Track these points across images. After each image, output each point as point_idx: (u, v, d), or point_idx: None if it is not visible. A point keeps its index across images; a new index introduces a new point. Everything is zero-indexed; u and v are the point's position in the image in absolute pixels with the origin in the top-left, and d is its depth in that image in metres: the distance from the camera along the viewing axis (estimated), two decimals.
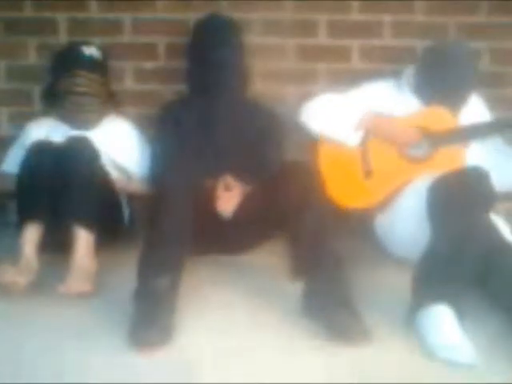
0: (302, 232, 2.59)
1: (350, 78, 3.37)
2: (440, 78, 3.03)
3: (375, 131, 3.03)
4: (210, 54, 3.15)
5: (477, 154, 3.04)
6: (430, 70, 3.07)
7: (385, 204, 3.01)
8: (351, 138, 3.01)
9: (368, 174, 3.06)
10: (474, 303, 2.54)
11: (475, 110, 3.13)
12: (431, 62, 3.08)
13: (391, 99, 3.10)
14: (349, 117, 3.01)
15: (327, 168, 3.10)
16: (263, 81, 3.49)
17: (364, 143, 3.04)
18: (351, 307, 2.45)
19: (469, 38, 3.37)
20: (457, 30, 3.46)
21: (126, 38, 3.54)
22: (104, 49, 3.33)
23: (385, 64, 3.45)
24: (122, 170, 3.23)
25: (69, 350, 2.34)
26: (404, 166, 3.02)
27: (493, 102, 3.24)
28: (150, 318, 2.38)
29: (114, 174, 3.16)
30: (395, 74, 3.23)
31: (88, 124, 3.23)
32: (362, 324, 2.40)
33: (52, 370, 2.23)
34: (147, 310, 2.41)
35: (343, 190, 3.07)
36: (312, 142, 3.15)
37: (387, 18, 3.50)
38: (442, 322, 2.35)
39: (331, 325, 2.40)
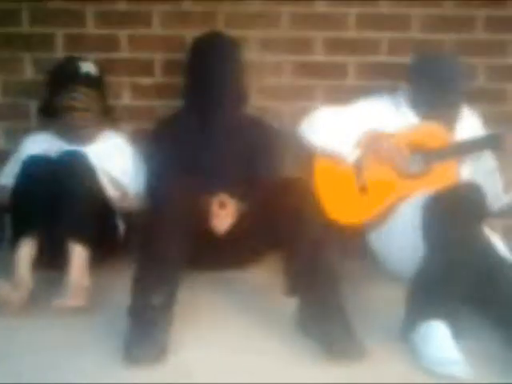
0: (297, 249, 2.59)
1: (346, 95, 3.38)
2: (430, 91, 3.05)
3: (371, 150, 3.03)
4: (208, 72, 3.16)
5: (468, 173, 3.06)
6: (420, 84, 3.09)
7: (379, 220, 3.01)
8: (350, 154, 3.02)
9: (363, 189, 3.07)
10: (469, 318, 2.54)
11: (470, 125, 3.14)
12: (419, 75, 3.10)
13: (388, 116, 3.11)
14: (349, 133, 3.02)
15: (322, 184, 3.12)
16: (260, 97, 3.50)
17: (359, 159, 3.05)
18: (346, 323, 2.45)
19: (465, 54, 3.38)
20: (453, 46, 3.47)
21: (123, 53, 3.55)
22: (101, 64, 3.34)
23: (381, 81, 3.47)
24: (117, 185, 3.22)
25: (63, 367, 2.33)
26: (399, 182, 3.02)
27: (490, 119, 3.24)
28: (144, 335, 2.37)
29: (109, 190, 3.15)
30: (391, 91, 3.24)
31: (84, 139, 3.23)
32: (356, 340, 2.40)
33: None
34: (141, 327, 2.40)
35: (338, 206, 3.08)
36: (308, 158, 3.16)
37: (384, 35, 3.52)
38: (437, 337, 2.35)
39: (326, 341, 2.40)
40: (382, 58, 3.54)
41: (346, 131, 3.03)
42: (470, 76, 3.19)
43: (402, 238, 2.88)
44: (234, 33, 3.34)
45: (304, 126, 3.16)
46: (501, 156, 3.01)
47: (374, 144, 3.02)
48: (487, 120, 3.21)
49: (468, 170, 3.07)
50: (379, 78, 3.48)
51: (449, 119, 3.08)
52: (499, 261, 2.65)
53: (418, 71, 3.12)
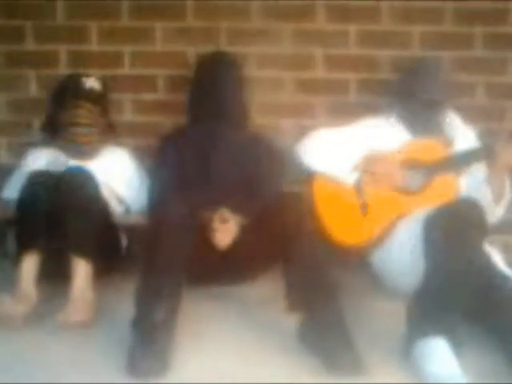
0: (298, 264, 2.60)
1: (347, 112, 3.43)
2: (412, 103, 3.11)
3: (367, 173, 3.06)
4: (213, 89, 3.21)
5: (468, 185, 3.08)
6: (402, 98, 3.17)
7: (380, 238, 3.02)
8: (348, 177, 3.06)
9: (363, 208, 3.08)
10: (469, 334, 2.54)
11: (465, 138, 3.16)
12: (399, 89, 3.20)
13: (384, 135, 3.13)
14: (346, 156, 3.06)
15: (322, 203, 3.14)
16: (260, 114, 3.51)
17: (359, 179, 3.07)
18: (346, 338, 2.46)
19: (464, 71, 3.43)
20: (452, 63, 3.49)
21: (126, 70, 3.59)
22: (104, 81, 3.36)
23: (382, 98, 3.48)
24: (120, 200, 3.24)
25: (65, 381, 2.33)
26: (398, 200, 3.04)
27: (488, 136, 3.27)
28: (147, 348, 2.38)
29: (112, 205, 3.18)
30: (388, 110, 3.28)
31: (87, 155, 3.25)
32: (356, 355, 2.41)
33: None
34: (144, 340, 2.41)
35: (338, 225, 3.10)
36: (307, 176, 3.19)
37: (385, 53, 3.56)
38: (438, 353, 2.35)
39: (326, 355, 2.41)
40: (384, 75, 3.56)
41: (343, 154, 3.07)
42: (449, 79, 3.20)
43: (401, 254, 2.89)
44: (235, 49, 3.40)
45: (301, 148, 3.20)
46: (491, 167, 2.99)
47: (369, 167, 3.04)
48: (485, 137, 3.23)
49: (463, 183, 3.09)
50: (381, 95, 3.50)
51: (440, 132, 3.12)
52: (499, 277, 2.67)
53: (397, 86, 3.21)
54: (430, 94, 3.09)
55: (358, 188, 3.08)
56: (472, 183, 3.05)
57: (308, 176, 3.19)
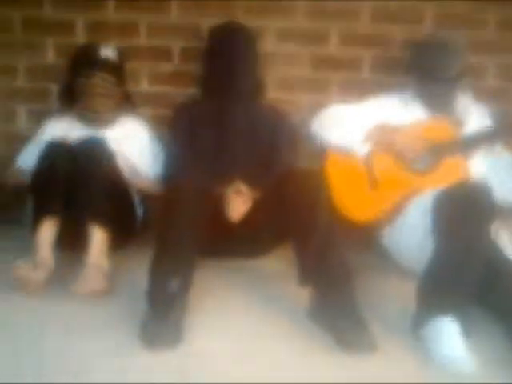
0: (309, 240, 2.61)
1: (360, 88, 3.45)
2: (426, 78, 3.10)
3: (381, 144, 3.08)
4: (226, 61, 3.20)
5: (479, 167, 3.09)
6: (417, 74, 3.16)
7: (390, 216, 3.03)
8: (360, 148, 3.07)
9: (373, 185, 3.10)
10: (477, 316, 2.57)
11: (478, 119, 3.16)
12: (414, 65, 3.18)
13: (397, 114, 3.14)
14: (358, 128, 3.06)
15: (335, 179, 3.15)
16: (276, 89, 3.55)
17: (369, 155, 3.09)
18: (358, 317, 2.47)
19: (476, 52, 3.43)
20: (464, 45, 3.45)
21: (142, 40, 3.60)
22: (120, 50, 3.38)
23: (395, 75, 3.49)
24: (135, 169, 3.26)
25: (81, 349, 2.37)
26: (409, 179, 3.06)
27: (500, 117, 3.24)
28: (161, 319, 2.42)
29: (127, 174, 3.20)
30: (402, 87, 3.27)
31: (103, 124, 3.29)
32: (367, 334, 2.43)
33: (64, 368, 2.26)
34: (159, 311, 2.45)
35: (349, 202, 3.12)
36: (321, 153, 3.20)
37: (398, 30, 3.56)
38: (446, 334, 2.38)
39: (337, 332, 2.43)
40: (397, 52, 3.55)
41: (355, 126, 3.07)
42: (464, 57, 3.15)
43: (412, 234, 2.89)
44: (250, 22, 3.38)
45: (315, 123, 3.21)
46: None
47: (385, 137, 3.06)
48: (497, 119, 3.22)
49: (481, 166, 3.10)
50: (394, 72, 3.51)
51: (453, 112, 3.13)
52: (506, 259, 2.70)
53: (413, 61, 3.20)
54: (445, 71, 3.07)
55: (369, 163, 3.10)
56: (494, 166, 3.08)
57: (321, 151, 3.21)
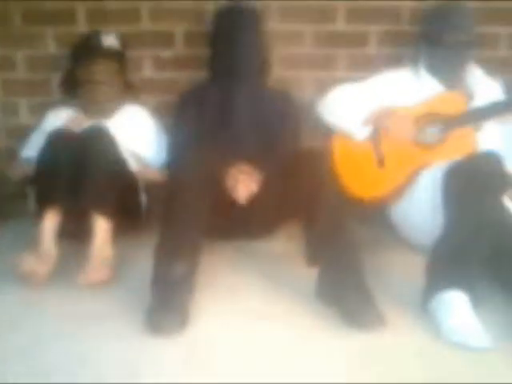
0: (317, 218, 2.60)
1: (367, 64, 3.40)
2: (439, 43, 3.02)
3: (379, 127, 3.02)
4: (232, 42, 3.15)
5: (490, 138, 3.01)
6: (430, 39, 3.08)
7: (399, 192, 3.00)
8: (359, 132, 3.03)
9: (381, 162, 3.06)
10: (487, 289, 2.55)
11: (490, 92, 3.10)
12: (428, 30, 3.10)
13: (409, 86, 3.09)
14: (358, 112, 3.02)
15: (341, 157, 3.13)
16: (281, 67, 3.50)
17: (376, 132, 3.03)
18: (366, 293, 2.47)
19: (486, 22, 3.35)
20: (475, 14, 3.37)
21: (144, 26, 3.55)
22: (122, 38, 3.34)
23: (402, 49, 3.44)
24: (139, 158, 3.24)
25: (87, 337, 2.37)
26: (416, 153, 3.00)
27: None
28: (167, 304, 2.41)
29: (131, 163, 3.17)
30: (413, 60, 3.21)
31: (105, 113, 3.26)
32: (376, 309, 2.42)
33: (70, 356, 2.25)
34: (164, 296, 2.43)
35: (357, 180, 3.09)
36: (327, 131, 3.17)
37: (405, 3, 3.49)
38: (456, 307, 2.36)
39: (345, 310, 2.43)
40: (404, 26, 3.50)
41: (356, 109, 3.03)
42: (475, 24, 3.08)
43: (421, 209, 2.89)
44: (255, 2, 3.32)
45: (320, 104, 3.17)
46: None
47: (380, 123, 3.00)
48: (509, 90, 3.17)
49: (493, 137, 3.02)
50: (401, 46, 3.46)
51: (464, 84, 3.07)
52: None
53: (424, 28, 3.13)
54: (457, 33, 2.99)
55: (375, 142, 3.05)
56: (507, 136, 3.02)
57: (327, 131, 3.17)
